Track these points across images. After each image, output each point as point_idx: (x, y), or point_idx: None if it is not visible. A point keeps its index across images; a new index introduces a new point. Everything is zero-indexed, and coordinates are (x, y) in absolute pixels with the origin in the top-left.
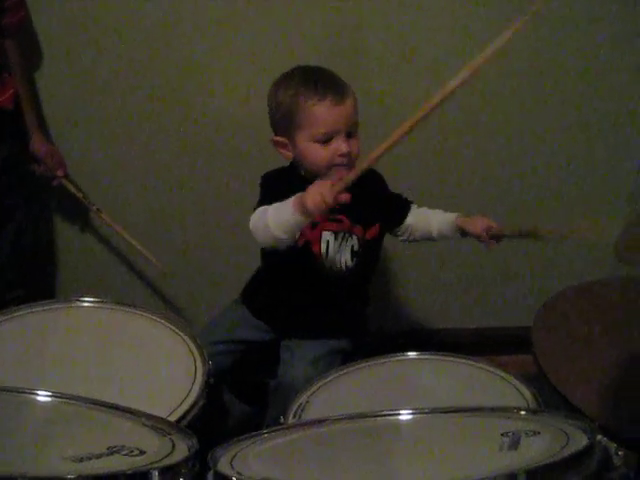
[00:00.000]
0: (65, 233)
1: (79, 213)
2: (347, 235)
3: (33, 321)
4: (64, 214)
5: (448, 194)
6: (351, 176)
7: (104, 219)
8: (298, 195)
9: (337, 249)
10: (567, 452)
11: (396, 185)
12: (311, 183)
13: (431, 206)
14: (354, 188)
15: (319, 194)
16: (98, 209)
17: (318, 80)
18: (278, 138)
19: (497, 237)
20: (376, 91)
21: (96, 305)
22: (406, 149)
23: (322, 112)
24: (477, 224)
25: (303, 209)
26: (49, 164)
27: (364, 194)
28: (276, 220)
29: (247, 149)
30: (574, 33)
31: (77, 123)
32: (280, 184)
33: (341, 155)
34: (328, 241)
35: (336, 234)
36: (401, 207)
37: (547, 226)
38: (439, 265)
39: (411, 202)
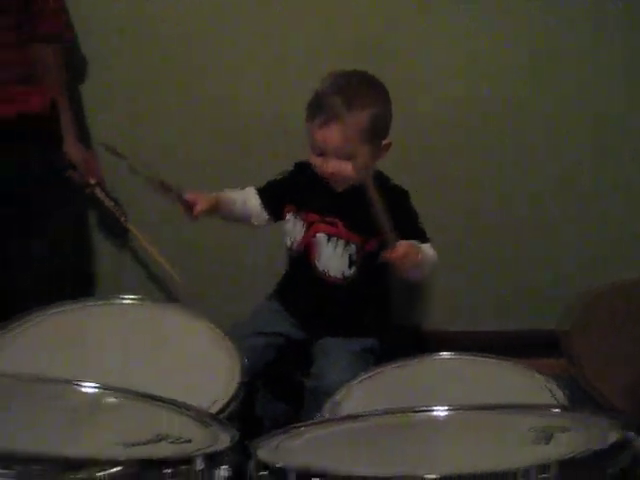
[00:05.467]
0: (102, 238)
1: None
2: (343, 242)
3: (74, 317)
4: (102, 219)
5: None
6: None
7: (132, 231)
8: None
9: (330, 254)
10: (598, 446)
11: None
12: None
13: None
14: (360, 195)
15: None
16: (126, 220)
17: (321, 97)
18: None
19: None
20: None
21: (136, 302)
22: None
23: (312, 130)
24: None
25: None
26: (82, 170)
27: (370, 205)
28: None
29: (276, 151)
30: None
31: (118, 131)
32: (302, 175)
33: (326, 173)
34: (321, 243)
35: (329, 237)
36: (407, 237)
37: None
38: (469, 267)
39: (427, 239)
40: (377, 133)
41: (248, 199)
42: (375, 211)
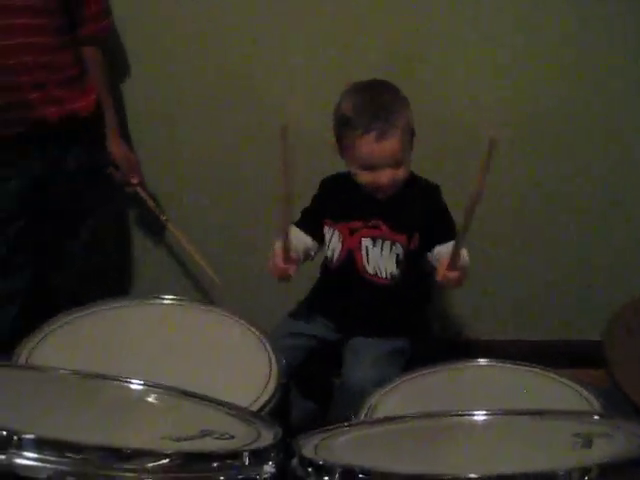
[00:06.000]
0: (141, 236)
1: (155, 217)
2: (388, 243)
3: (111, 316)
4: (141, 217)
5: None
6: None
7: (171, 231)
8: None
9: (378, 256)
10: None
11: None
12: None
13: None
14: (398, 196)
15: (271, 262)
16: (167, 220)
17: (370, 109)
18: (336, 144)
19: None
20: (432, 97)
21: (175, 302)
22: None
23: (365, 146)
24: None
25: None
26: (124, 169)
27: (409, 204)
28: None
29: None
30: None
31: (159, 131)
32: (333, 189)
33: (381, 184)
34: (367, 247)
35: (374, 240)
36: (444, 232)
37: None
38: (505, 277)
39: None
40: (414, 131)
41: (297, 236)
42: (466, 220)
